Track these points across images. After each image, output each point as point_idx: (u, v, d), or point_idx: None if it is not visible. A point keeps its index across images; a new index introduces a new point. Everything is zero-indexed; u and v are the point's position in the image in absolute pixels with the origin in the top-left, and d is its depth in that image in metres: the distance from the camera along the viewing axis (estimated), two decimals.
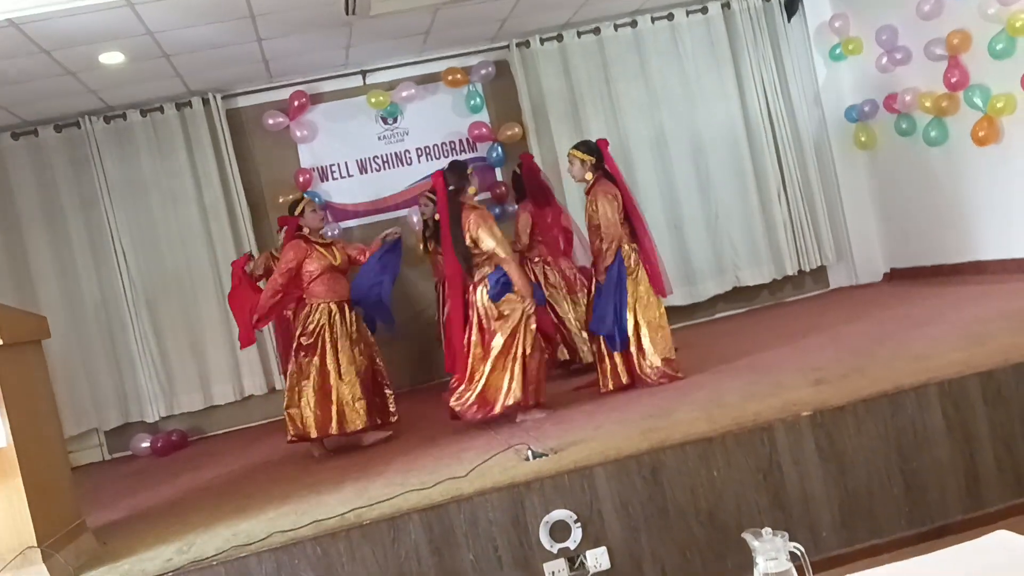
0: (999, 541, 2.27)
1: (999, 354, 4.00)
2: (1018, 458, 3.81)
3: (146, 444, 7.11)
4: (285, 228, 5.71)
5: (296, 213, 5.46)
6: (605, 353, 5.30)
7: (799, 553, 2.16)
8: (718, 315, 8.17)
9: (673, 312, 7.61)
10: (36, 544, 3.63)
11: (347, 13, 5.97)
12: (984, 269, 6.75)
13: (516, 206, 7.39)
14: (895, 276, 7.97)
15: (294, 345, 5.30)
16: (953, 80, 6.47)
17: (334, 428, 5.17)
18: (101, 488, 5.98)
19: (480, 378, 4.88)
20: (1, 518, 3.64)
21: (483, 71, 7.87)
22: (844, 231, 8.21)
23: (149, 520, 4.55)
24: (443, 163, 7.78)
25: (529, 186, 6.55)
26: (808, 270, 8.21)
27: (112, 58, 6.05)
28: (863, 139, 7.79)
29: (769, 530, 2.20)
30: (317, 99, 7.74)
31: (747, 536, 2.19)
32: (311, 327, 5.26)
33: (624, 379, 5.25)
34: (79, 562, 3.82)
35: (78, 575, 3.70)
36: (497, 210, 7.88)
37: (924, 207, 7.41)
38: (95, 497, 5.50)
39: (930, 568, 2.26)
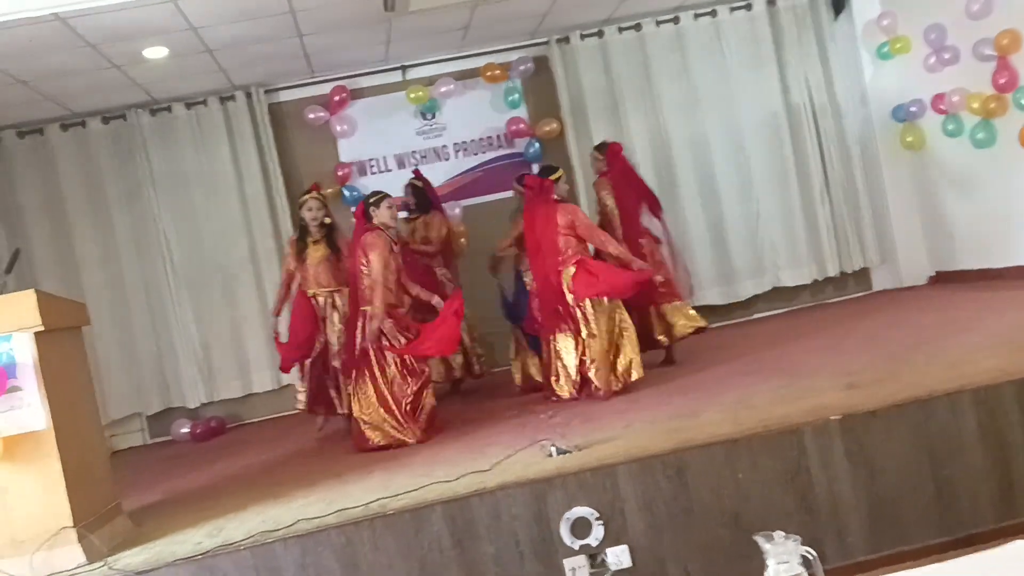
0: (1017, 551, 2.24)
1: None
2: None
3: (186, 430, 7.27)
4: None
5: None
6: None
7: (811, 558, 2.15)
8: (756, 315, 8.10)
9: (710, 311, 7.62)
10: (72, 524, 3.71)
11: (386, 9, 6.02)
12: None
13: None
14: (940, 279, 7.83)
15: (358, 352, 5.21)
16: (1002, 81, 6.35)
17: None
18: (140, 471, 6.13)
19: None
20: (38, 499, 3.73)
21: (522, 67, 7.89)
22: (889, 233, 8.08)
23: (183, 504, 4.65)
24: (481, 158, 7.96)
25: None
26: (851, 272, 8.11)
27: (156, 52, 6.20)
28: (910, 139, 7.65)
29: (782, 533, 2.19)
30: (357, 94, 7.84)
31: (759, 539, 2.19)
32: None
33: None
34: (113, 543, 3.89)
35: (111, 555, 3.76)
36: None
37: (970, 210, 7.28)
38: (134, 480, 5.64)
39: (946, 574, 2.24)
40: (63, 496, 3.75)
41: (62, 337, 4.08)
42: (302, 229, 5.95)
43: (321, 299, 5.84)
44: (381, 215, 5.26)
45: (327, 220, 5.89)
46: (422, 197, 6.73)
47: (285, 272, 6.03)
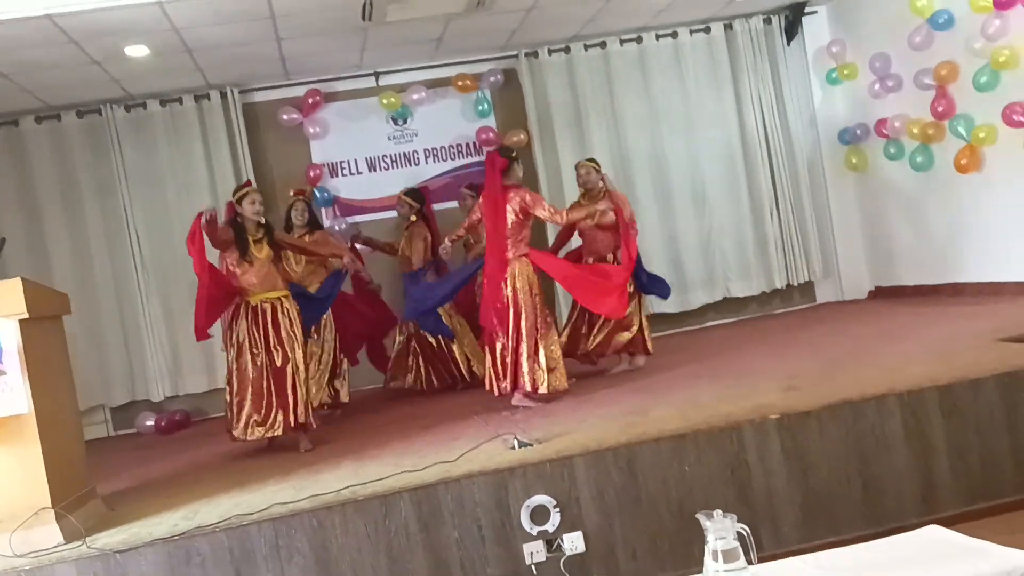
0: (930, 534, 2.56)
1: (959, 370, 4.27)
2: (971, 468, 4.08)
3: (151, 422, 7.37)
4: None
5: None
6: None
7: (745, 533, 2.44)
8: (708, 323, 8.44)
9: (664, 319, 7.97)
10: (50, 505, 3.85)
11: (364, 19, 6.25)
12: (962, 291, 7.03)
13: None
14: (879, 294, 8.25)
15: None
16: (939, 109, 6.76)
17: None
18: (107, 461, 6.20)
19: None
20: (19, 479, 3.85)
21: (492, 78, 8.15)
22: (832, 249, 8.50)
23: (154, 490, 4.79)
24: (450, 165, 8.20)
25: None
26: (796, 284, 8.49)
27: (137, 51, 6.34)
28: (854, 161, 8.07)
29: (720, 512, 2.48)
30: (331, 98, 8.03)
31: (700, 516, 2.47)
32: None
33: None
34: (88, 524, 4.00)
35: (88, 536, 3.89)
36: None
37: (909, 229, 7.70)
38: (103, 469, 5.71)
39: (868, 553, 2.54)
40: (42, 478, 3.87)
41: (45, 325, 4.22)
42: (239, 228, 5.34)
43: (268, 306, 5.32)
44: (518, 173, 5.51)
45: (263, 220, 5.43)
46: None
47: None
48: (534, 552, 3.86)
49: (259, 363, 5.25)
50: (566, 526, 3.89)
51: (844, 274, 8.52)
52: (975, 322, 5.72)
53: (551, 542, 3.88)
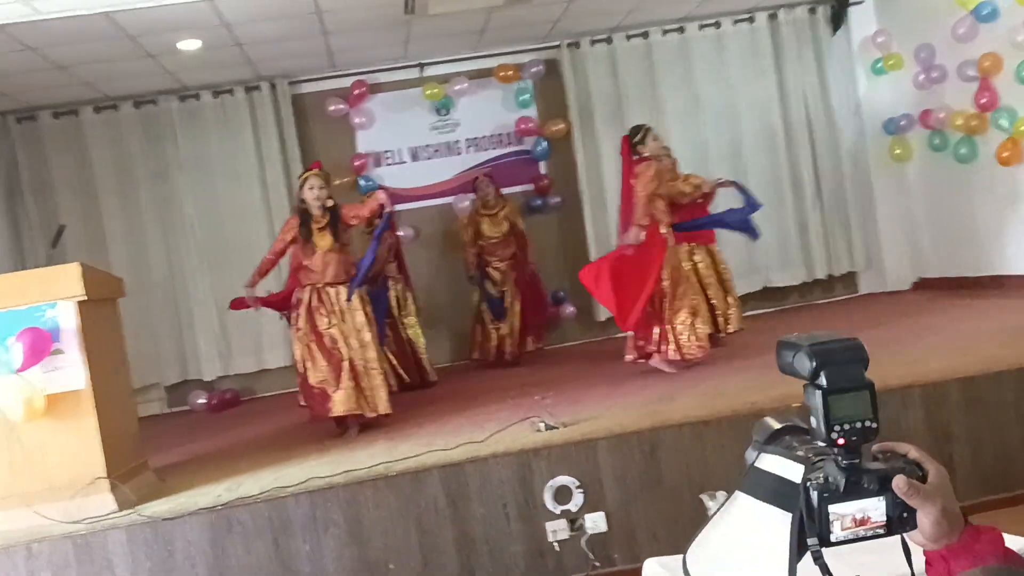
0: None
1: (983, 363, 4.30)
2: (986, 459, 4.11)
3: (202, 400, 7.67)
4: None
5: None
6: None
7: None
8: (747, 313, 8.42)
9: None
10: (105, 475, 4.09)
11: (407, 12, 6.41)
12: (1003, 284, 6.96)
13: (557, 199, 7.95)
14: (922, 286, 8.19)
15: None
16: (983, 101, 6.70)
17: None
18: (160, 436, 6.48)
19: None
20: (76, 451, 4.10)
21: (533, 69, 8.26)
22: (875, 239, 8.45)
23: (202, 464, 5.05)
24: (491, 154, 8.35)
25: None
26: (838, 275, 8.47)
27: (190, 45, 6.60)
28: (898, 152, 8.01)
29: (723, 493, 2.60)
30: (376, 89, 8.22)
31: (703, 497, 2.59)
32: None
33: None
34: (140, 494, 4.25)
35: (139, 504, 4.14)
36: (539, 201, 8.32)
37: (951, 221, 7.63)
38: (155, 443, 5.98)
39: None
40: (98, 449, 4.10)
41: (101, 307, 4.47)
42: (303, 213, 5.32)
43: (333, 291, 5.27)
44: (642, 150, 5.72)
45: (330, 202, 5.32)
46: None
47: (280, 243, 5.46)
48: (557, 530, 4.00)
49: (326, 348, 5.20)
50: (589, 506, 4.02)
51: (887, 265, 8.46)
52: (1009, 315, 5.69)
53: (573, 521, 4.01)
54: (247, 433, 6.05)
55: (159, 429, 6.98)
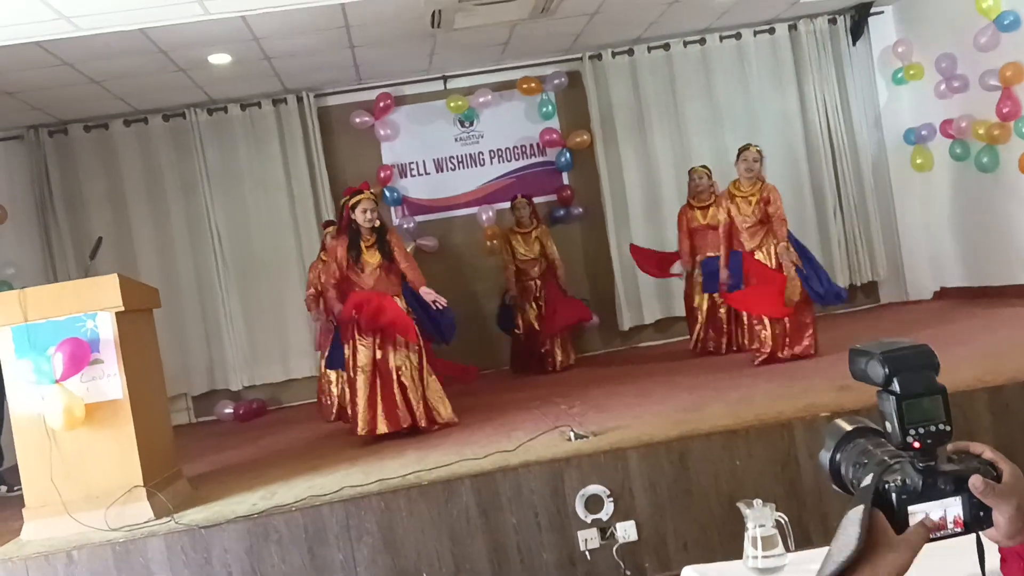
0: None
1: (1011, 372, 4.32)
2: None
3: (229, 410, 7.77)
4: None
5: None
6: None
7: (783, 522, 2.59)
8: None
9: None
10: (142, 484, 4.16)
11: (432, 26, 6.50)
12: None
13: (580, 209, 8.00)
14: (944, 295, 8.19)
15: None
16: (1005, 110, 6.71)
17: None
18: (190, 445, 6.56)
19: None
20: (113, 459, 4.18)
21: (556, 81, 8.34)
22: (897, 249, 8.47)
23: (234, 473, 5.11)
24: (514, 165, 8.42)
25: None
26: (860, 284, 8.48)
27: (220, 59, 6.72)
28: (919, 161, 8.03)
29: (759, 501, 2.64)
30: (401, 101, 8.32)
31: (740, 505, 2.62)
32: None
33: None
34: (176, 502, 4.31)
35: (176, 512, 4.20)
36: (562, 212, 8.38)
37: (974, 230, 7.63)
38: (185, 452, 6.06)
39: None
40: (135, 458, 4.18)
41: (138, 317, 4.56)
42: (353, 233, 5.42)
43: None
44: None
45: (378, 222, 5.46)
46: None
47: (336, 268, 5.52)
48: (588, 539, 4.03)
49: (373, 364, 5.36)
50: (619, 515, 4.05)
51: (909, 275, 8.48)
52: None
53: (604, 530, 4.05)
54: (276, 442, 6.12)
55: (187, 439, 7.04)
